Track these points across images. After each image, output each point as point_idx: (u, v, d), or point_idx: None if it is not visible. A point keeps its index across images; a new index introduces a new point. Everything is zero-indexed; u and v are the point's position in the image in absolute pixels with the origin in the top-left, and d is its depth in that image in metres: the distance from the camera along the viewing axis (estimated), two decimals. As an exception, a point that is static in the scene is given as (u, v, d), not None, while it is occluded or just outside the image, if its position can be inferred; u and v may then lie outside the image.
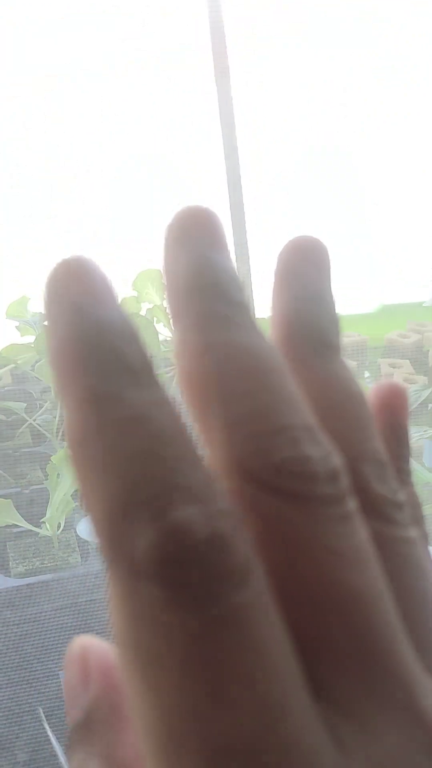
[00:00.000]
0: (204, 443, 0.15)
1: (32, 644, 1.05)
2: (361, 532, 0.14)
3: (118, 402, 0.13)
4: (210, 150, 1.44)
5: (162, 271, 0.17)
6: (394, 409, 0.21)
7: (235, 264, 0.18)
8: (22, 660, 1.03)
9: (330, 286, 0.19)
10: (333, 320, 0.18)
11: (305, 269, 0.19)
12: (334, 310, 0.19)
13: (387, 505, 0.16)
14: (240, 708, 0.12)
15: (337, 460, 0.15)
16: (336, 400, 0.17)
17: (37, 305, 1.40)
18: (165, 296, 0.17)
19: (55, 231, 1.52)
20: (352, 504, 0.14)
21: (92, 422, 0.13)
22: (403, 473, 0.20)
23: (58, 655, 1.05)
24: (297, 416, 0.15)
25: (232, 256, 0.18)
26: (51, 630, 1.05)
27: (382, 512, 0.16)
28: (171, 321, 0.16)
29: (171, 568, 0.12)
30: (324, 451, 0.14)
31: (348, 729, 0.13)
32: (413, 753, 0.13)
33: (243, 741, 0.12)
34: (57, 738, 0.98)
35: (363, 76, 1.53)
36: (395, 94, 1.52)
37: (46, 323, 0.15)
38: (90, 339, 0.14)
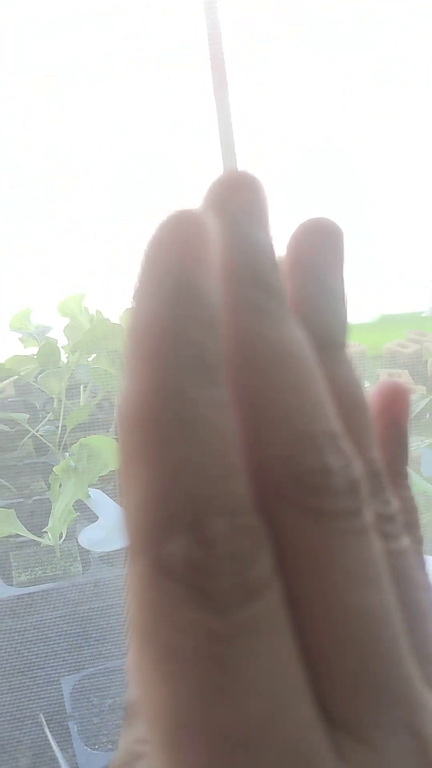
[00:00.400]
0: None
1: (34, 651, 1.07)
2: (374, 546, 0.14)
3: (186, 400, 0.13)
4: (210, 150, 1.44)
5: None
6: (395, 411, 0.20)
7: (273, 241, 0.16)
8: (24, 666, 1.05)
9: (342, 277, 0.18)
10: (341, 316, 0.17)
11: (316, 257, 0.18)
12: (344, 304, 0.18)
13: (379, 520, 0.16)
14: (245, 703, 0.12)
15: (357, 469, 0.15)
16: (335, 406, 0.16)
17: (40, 317, 1.41)
18: None
19: (55, 231, 1.52)
20: (368, 515, 0.14)
21: (155, 414, 0.13)
22: (400, 476, 0.20)
23: (60, 661, 1.07)
24: (322, 421, 0.14)
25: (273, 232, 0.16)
26: (52, 637, 1.07)
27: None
28: None
29: (196, 573, 0.13)
30: (345, 461, 0.14)
31: (349, 742, 0.13)
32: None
33: (246, 733, 0.12)
34: (58, 743, 1.01)
35: (362, 78, 1.52)
36: (395, 96, 1.52)
37: (138, 285, 0.14)
38: (177, 326, 0.13)
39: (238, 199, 0.16)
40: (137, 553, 0.13)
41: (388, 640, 0.14)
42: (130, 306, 0.14)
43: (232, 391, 0.14)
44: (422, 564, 0.17)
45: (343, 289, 0.18)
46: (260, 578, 0.13)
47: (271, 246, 0.16)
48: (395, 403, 0.20)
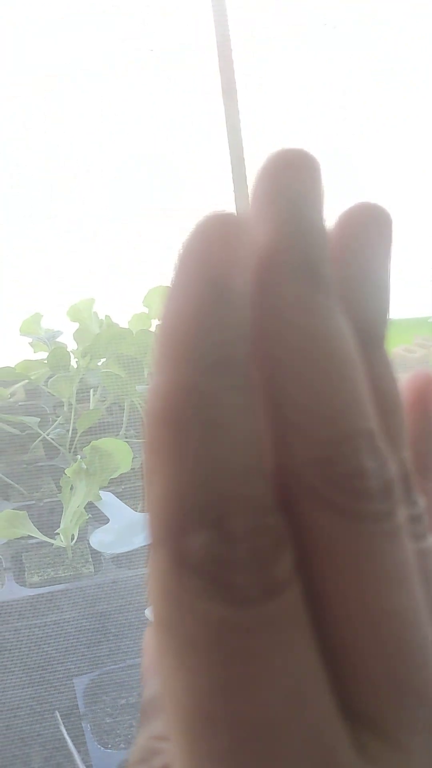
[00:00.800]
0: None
1: (54, 645, 1.07)
2: (406, 547, 0.14)
3: (211, 400, 0.13)
4: (210, 150, 1.44)
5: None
6: (427, 402, 0.20)
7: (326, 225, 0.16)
8: (43, 661, 1.06)
9: (388, 268, 0.17)
10: (383, 310, 0.17)
11: (367, 246, 0.17)
12: (388, 297, 0.17)
13: (407, 520, 0.15)
14: (265, 694, 0.12)
15: (392, 470, 0.14)
16: (373, 403, 0.15)
17: (50, 322, 1.41)
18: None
19: (55, 231, 1.52)
20: (401, 516, 0.14)
21: (180, 411, 0.13)
22: (430, 470, 0.19)
23: (78, 656, 1.08)
24: (362, 421, 0.14)
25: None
26: (71, 633, 1.08)
27: None
28: None
29: (216, 567, 0.13)
30: (381, 461, 0.14)
31: (373, 741, 0.13)
32: None
33: (268, 724, 0.12)
34: (72, 740, 1.01)
35: (363, 78, 1.53)
36: (395, 96, 1.52)
37: (173, 281, 0.14)
38: (206, 327, 0.13)
39: (292, 180, 0.15)
40: (159, 545, 0.13)
41: (417, 641, 0.14)
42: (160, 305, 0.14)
43: (271, 382, 0.14)
44: None
45: (389, 282, 0.17)
46: (280, 576, 0.13)
47: (324, 233, 0.15)
48: (427, 394, 0.20)
